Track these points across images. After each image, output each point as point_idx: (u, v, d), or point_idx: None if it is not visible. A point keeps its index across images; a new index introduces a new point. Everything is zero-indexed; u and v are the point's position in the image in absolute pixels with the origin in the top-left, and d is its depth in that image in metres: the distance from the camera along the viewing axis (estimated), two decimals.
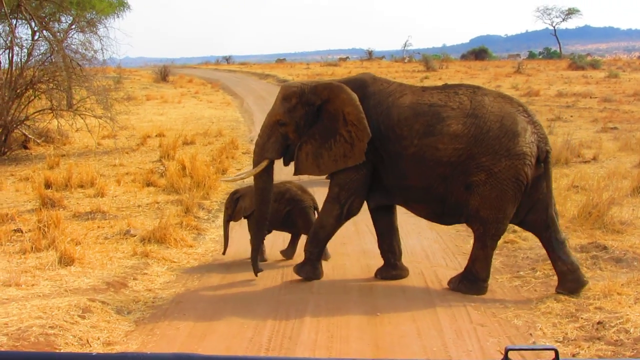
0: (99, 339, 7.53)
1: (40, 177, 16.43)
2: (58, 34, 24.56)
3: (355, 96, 9.16)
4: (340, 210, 9.41)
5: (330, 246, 11.12)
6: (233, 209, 10.92)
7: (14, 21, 22.83)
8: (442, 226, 10.97)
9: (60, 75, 22.74)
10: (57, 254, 10.20)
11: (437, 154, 8.77)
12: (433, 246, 11.36)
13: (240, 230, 12.58)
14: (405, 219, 12.85)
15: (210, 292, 9.37)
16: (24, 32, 24.68)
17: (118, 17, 29.79)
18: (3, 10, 21.51)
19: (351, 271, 10.19)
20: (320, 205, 9.99)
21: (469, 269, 9.15)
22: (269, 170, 9.67)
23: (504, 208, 8.76)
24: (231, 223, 11.05)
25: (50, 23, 24.67)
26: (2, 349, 6.82)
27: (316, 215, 10.42)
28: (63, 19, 26.31)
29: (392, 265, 9.88)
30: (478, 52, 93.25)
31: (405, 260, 10.12)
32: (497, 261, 10.28)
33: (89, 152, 22.53)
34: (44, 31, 23.18)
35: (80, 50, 24.58)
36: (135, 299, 8.98)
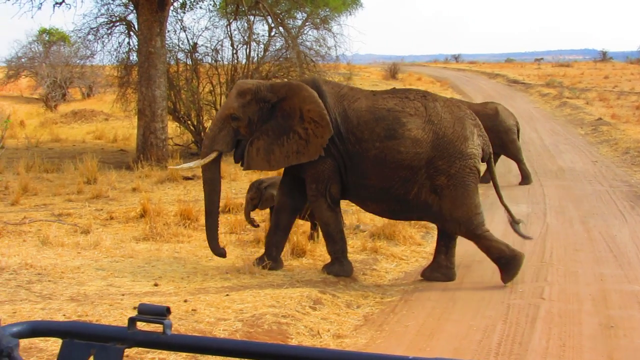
0: (329, 330, 7.63)
1: None
2: (293, 30, 25.19)
3: (316, 94, 9.46)
4: (326, 202, 9.67)
5: (562, 252, 10.82)
6: (260, 197, 11.08)
7: (252, 18, 23.60)
8: None
9: (294, 71, 23.32)
10: (289, 245, 10.44)
11: (399, 157, 9.28)
12: None
13: None
14: (620, 227, 12.35)
15: (438, 291, 9.31)
16: (260, 28, 25.62)
17: (350, 14, 30.25)
18: (242, 8, 22.27)
19: (584, 279, 9.83)
20: None
21: (495, 259, 9.61)
22: (217, 162, 9.84)
23: (472, 202, 9.45)
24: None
25: (286, 20, 25.34)
26: (237, 334, 7.03)
27: None
28: (298, 15, 26.98)
29: (272, 257, 9.89)
30: None
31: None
32: None
33: None
34: (280, 27, 23.83)
35: (314, 47, 25.12)
36: (364, 294, 9.05)
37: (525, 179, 17.83)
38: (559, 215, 13.83)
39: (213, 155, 9.71)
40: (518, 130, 18.07)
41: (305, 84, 9.74)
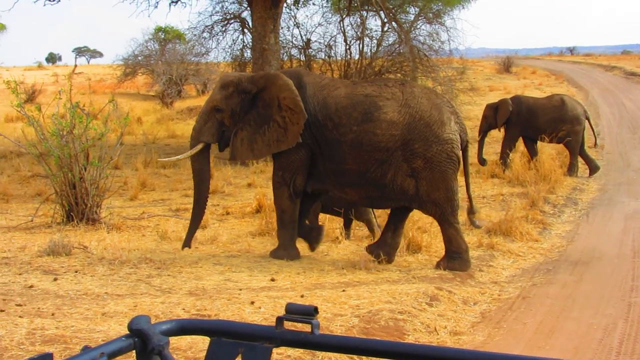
0: (445, 327, 7.57)
1: None
2: (405, 25, 25.08)
3: (291, 82, 9.79)
4: (289, 191, 9.97)
5: None
6: None
7: (365, 13, 23.62)
8: None
9: (407, 66, 23.24)
10: (405, 240, 10.42)
11: (375, 139, 9.50)
12: None
13: (588, 227, 12.23)
14: None
15: (557, 288, 9.14)
16: (373, 23, 25.62)
17: (463, 7, 29.97)
18: (355, 3, 22.31)
19: None
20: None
21: (450, 249, 9.69)
22: (204, 153, 10.26)
23: (449, 185, 9.55)
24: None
25: (398, 14, 25.25)
26: (354, 330, 7.05)
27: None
28: (410, 10, 26.86)
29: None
30: None
31: None
32: None
33: None
34: (393, 22, 23.76)
35: (427, 41, 24.97)
36: (481, 291, 8.96)
37: (571, 170, 17.64)
38: None
39: (200, 146, 10.10)
40: (588, 120, 18.02)
41: (288, 74, 10.18)
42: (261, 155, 10.42)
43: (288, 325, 2.00)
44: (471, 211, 10.33)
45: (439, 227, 11.23)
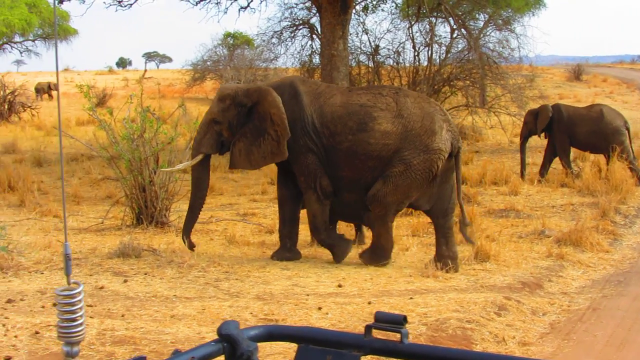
0: (514, 337, 7.49)
1: None
2: (474, 31, 24.95)
3: (279, 99, 10.08)
4: (316, 194, 10.17)
5: None
6: None
7: (434, 19, 23.54)
8: None
9: (476, 73, 23.09)
10: (474, 249, 10.35)
11: (369, 148, 9.82)
12: None
13: None
14: None
15: (628, 300, 8.97)
16: (442, 30, 25.53)
17: (533, 14, 29.67)
18: (424, 10, 22.23)
19: None
20: None
21: (377, 244, 10.10)
22: (204, 163, 10.61)
23: (409, 194, 9.89)
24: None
25: (467, 21, 25.13)
26: (421, 338, 7.01)
27: None
28: (480, 17, 26.72)
29: (287, 249, 10.40)
30: None
31: None
32: None
33: (501, 149, 22.66)
34: (462, 29, 23.64)
35: (496, 48, 24.80)
36: (550, 301, 8.83)
37: None
38: None
39: (199, 157, 10.46)
40: (628, 130, 17.51)
41: (282, 85, 10.48)
42: (258, 166, 10.73)
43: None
44: (464, 223, 10.29)
45: (507, 236, 11.19)
